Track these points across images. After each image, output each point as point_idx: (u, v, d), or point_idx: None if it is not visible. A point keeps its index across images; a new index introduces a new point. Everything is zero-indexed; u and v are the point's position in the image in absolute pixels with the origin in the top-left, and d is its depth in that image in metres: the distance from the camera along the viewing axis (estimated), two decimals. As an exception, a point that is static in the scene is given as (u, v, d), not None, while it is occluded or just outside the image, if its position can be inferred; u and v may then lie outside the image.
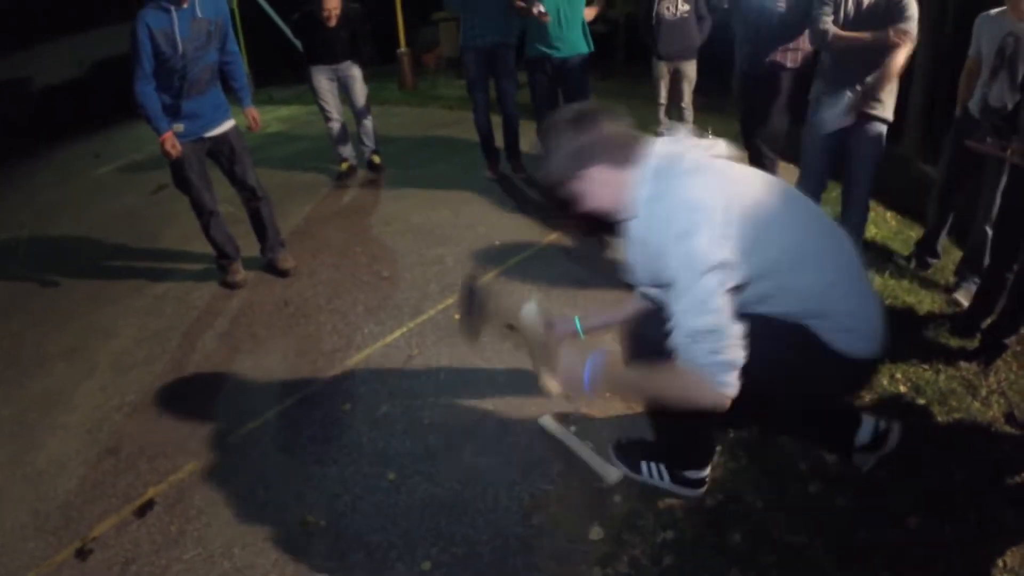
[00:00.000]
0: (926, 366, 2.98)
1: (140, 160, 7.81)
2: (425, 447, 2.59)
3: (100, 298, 4.17)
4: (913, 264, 4.03)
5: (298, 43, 6.18)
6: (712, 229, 1.62)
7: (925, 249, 4.02)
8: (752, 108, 4.22)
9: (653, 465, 2.28)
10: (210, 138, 3.79)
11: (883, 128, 3.47)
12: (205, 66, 3.62)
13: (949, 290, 3.74)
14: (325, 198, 5.64)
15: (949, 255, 3.99)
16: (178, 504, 2.44)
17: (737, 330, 1.64)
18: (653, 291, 1.98)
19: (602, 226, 1.89)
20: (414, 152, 6.64)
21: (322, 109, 5.81)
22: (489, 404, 2.80)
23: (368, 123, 5.93)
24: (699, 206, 1.65)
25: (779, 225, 1.75)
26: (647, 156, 1.78)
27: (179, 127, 3.62)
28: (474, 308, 2.29)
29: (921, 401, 2.77)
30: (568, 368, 1.91)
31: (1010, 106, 3.31)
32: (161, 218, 5.49)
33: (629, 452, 2.37)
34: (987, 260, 3.62)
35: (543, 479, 2.39)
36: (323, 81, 5.71)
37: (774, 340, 1.74)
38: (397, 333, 3.35)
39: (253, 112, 4.12)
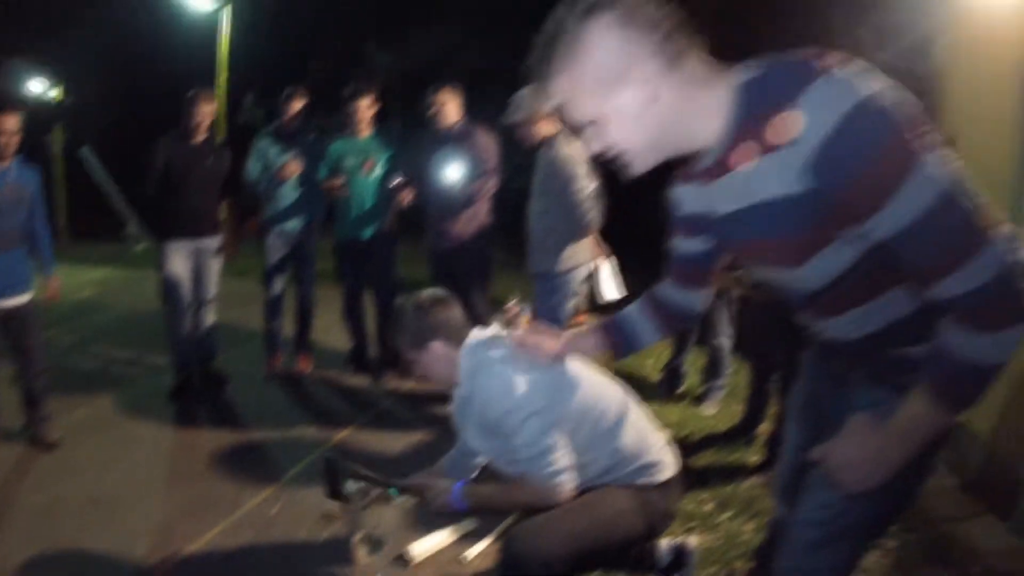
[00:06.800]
0: (729, 481, 3.50)
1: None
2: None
3: None
4: (663, 387, 5.04)
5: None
6: (523, 385, 2.22)
7: (672, 372, 4.94)
8: (450, 280, 4.78)
9: None
10: (3, 309, 4.05)
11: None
12: (13, 224, 4.03)
13: (700, 400, 4.65)
14: (136, 380, 5.58)
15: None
16: None
17: (563, 441, 2.23)
18: (481, 444, 2.48)
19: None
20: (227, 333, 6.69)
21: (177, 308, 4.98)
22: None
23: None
24: (513, 369, 2.25)
25: (567, 380, 2.31)
26: (469, 340, 2.40)
27: None
28: (337, 481, 2.61)
29: (728, 514, 3.23)
30: (439, 494, 2.42)
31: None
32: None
33: None
34: (725, 367, 4.60)
35: None
36: (179, 263, 4.94)
37: (611, 521, 2.29)
38: (216, 529, 3.41)
39: (55, 282, 4.44)
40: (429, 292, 2.50)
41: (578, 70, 1.39)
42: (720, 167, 1.45)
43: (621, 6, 1.35)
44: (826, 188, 1.28)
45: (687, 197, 1.70)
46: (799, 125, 1.26)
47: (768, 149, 1.33)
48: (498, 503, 2.41)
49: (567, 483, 2.23)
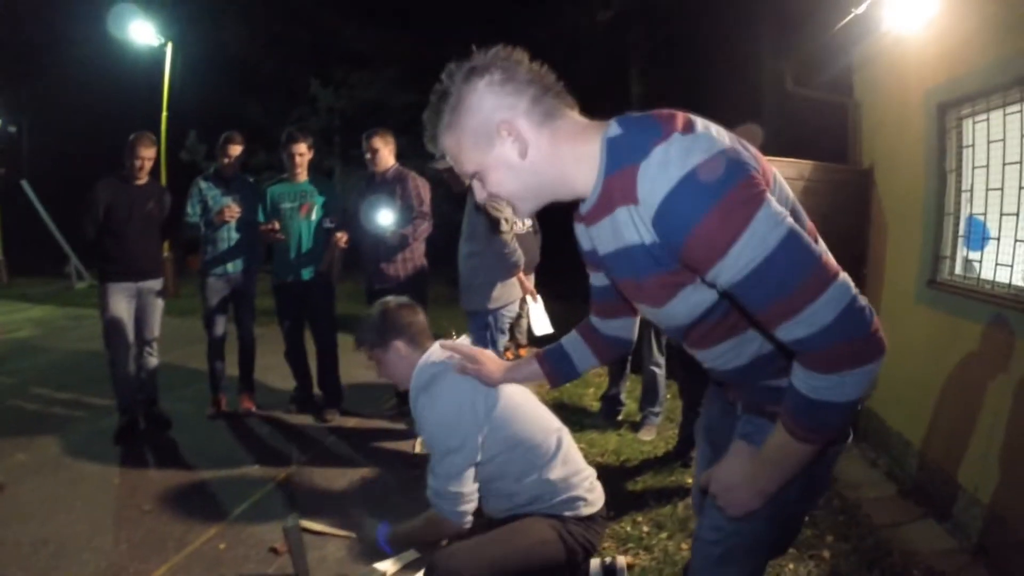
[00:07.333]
0: (665, 503, 3.68)
1: None
2: None
3: None
4: (603, 416, 5.23)
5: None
6: (456, 418, 2.35)
7: (610, 400, 5.20)
8: None
9: None
10: None
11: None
12: None
13: (638, 427, 4.86)
14: (79, 422, 5.58)
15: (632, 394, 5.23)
16: None
17: (474, 487, 2.40)
18: None
19: None
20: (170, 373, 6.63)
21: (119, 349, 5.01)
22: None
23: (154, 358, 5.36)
24: (448, 403, 2.38)
25: (506, 408, 2.44)
26: (429, 350, 2.55)
27: None
28: (299, 550, 2.85)
29: (664, 535, 3.40)
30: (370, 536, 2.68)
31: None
32: None
33: None
34: (660, 394, 4.83)
35: None
36: (121, 305, 5.01)
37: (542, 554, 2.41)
38: (164, 568, 3.48)
39: None
40: (396, 297, 2.70)
41: (460, 128, 1.56)
42: (594, 214, 1.62)
43: (497, 70, 1.53)
44: (667, 243, 1.44)
45: (581, 236, 1.87)
46: (642, 187, 1.40)
47: (627, 202, 1.47)
48: (418, 539, 2.67)
49: (468, 523, 2.44)
